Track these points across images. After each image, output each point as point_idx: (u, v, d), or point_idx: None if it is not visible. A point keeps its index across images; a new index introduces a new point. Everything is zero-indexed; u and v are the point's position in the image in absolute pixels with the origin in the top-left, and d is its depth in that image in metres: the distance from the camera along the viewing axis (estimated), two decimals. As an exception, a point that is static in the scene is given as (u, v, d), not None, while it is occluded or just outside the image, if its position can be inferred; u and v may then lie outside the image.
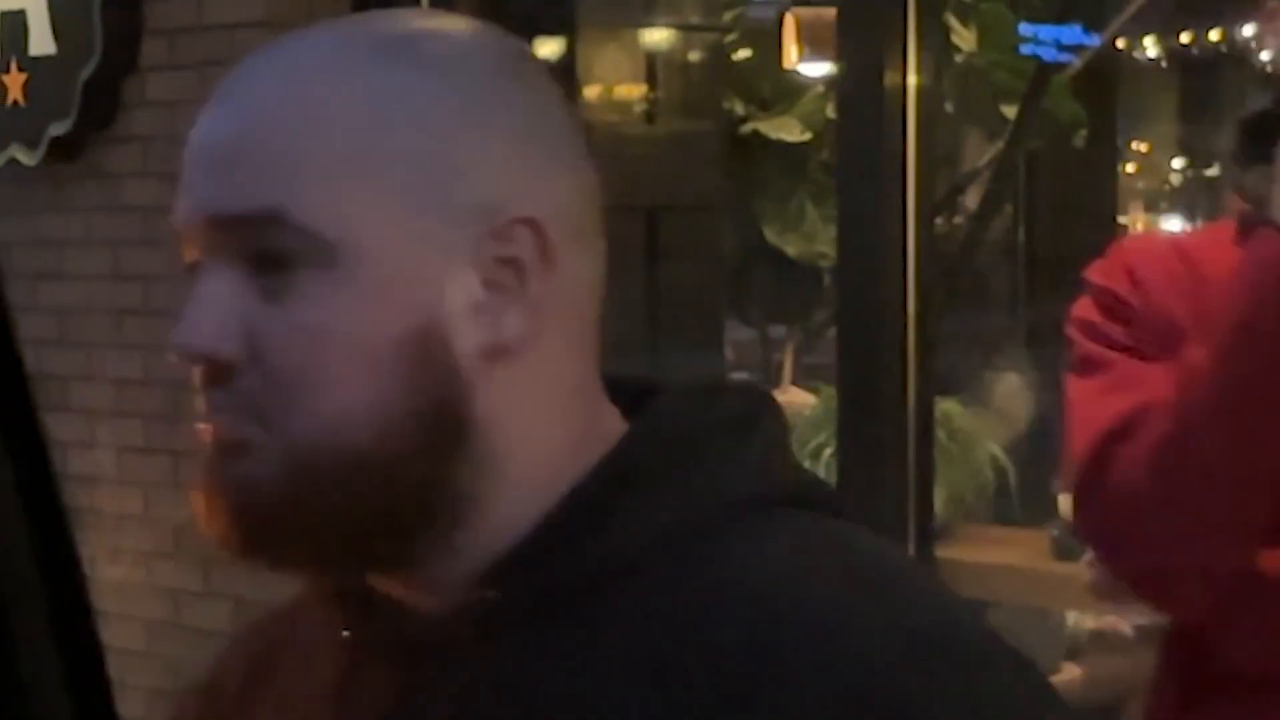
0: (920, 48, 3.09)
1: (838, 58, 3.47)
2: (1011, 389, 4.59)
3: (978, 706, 0.90)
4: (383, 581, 0.98)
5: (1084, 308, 1.78)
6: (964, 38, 4.64)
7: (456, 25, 1.01)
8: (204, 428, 0.94)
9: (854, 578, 0.93)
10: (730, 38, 5.04)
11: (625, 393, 1.01)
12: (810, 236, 4.95)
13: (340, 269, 0.91)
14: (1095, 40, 5.39)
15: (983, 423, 4.02)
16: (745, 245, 5.17)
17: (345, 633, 1.00)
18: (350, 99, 0.93)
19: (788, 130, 4.93)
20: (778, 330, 5.37)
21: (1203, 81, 7.06)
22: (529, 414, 0.95)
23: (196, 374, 0.94)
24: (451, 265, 0.93)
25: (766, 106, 5.02)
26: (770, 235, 5.01)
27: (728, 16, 5.00)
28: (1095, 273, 1.79)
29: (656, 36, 4.87)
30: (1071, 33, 5.35)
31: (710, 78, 4.97)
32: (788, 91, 5.00)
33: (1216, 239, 1.77)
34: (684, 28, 4.91)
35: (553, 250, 0.94)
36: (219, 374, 0.92)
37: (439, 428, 0.93)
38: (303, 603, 1.06)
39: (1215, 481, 1.58)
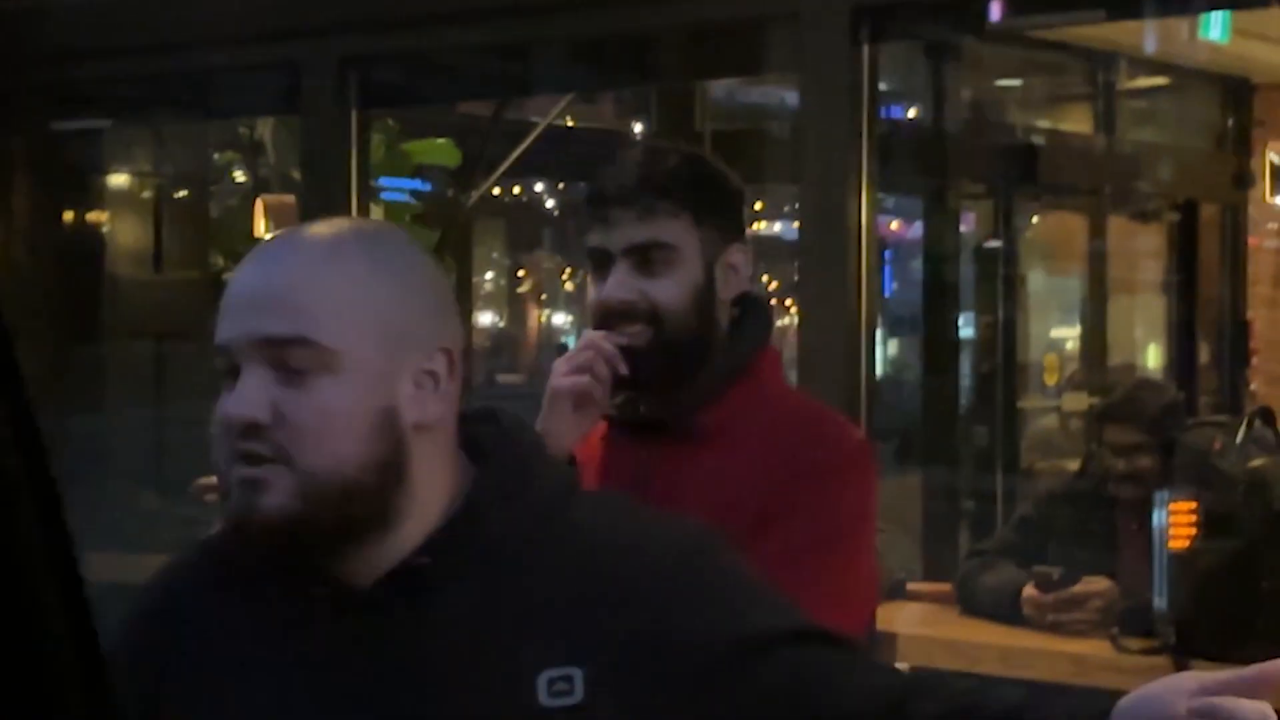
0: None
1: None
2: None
3: (730, 568, 1.54)
4: (335, 562, 1.47)
5: None
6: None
7: (385, 224, 1.64)
8: (237, 472, 1.42)
9: (639, 516, 1.57)
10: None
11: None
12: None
13: (340, 372, 1.43)
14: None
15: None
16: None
17: (316, 590, 1.47)
18: (351, 270, 1.45)
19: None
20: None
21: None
22: (433, 459, 1.48)
23: (235, 432, 1.41)
24: (402, 373, 1.45)
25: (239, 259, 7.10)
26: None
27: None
28: None
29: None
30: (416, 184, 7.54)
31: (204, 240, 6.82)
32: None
33: None
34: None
35: (455, 366, 1.49)
36: (253, 431, 1.41)
37: (389, 467, 1.45)
38: (243, 567, 1.51)
39: None
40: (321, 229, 1.51)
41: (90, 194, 6.62)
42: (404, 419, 1.46)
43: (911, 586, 4.86)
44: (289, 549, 1.45)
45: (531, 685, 1.44)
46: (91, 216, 6.60)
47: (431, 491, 1.48)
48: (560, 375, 2.16)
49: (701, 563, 1.52)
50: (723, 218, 2.24)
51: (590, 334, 2.19)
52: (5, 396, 0.69)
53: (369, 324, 1.44)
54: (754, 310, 2.28)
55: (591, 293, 2.22)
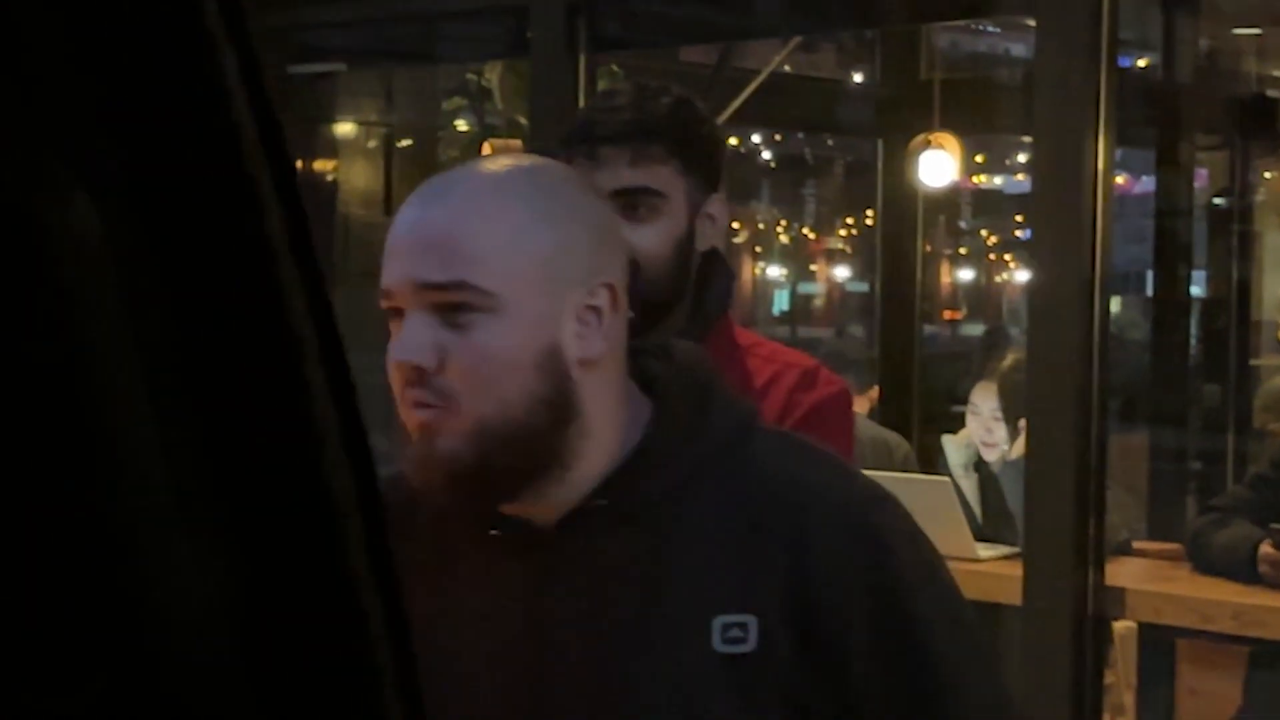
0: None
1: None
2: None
3: (906, 538, 1.51)
4: (513, 504, 1.48)
5: None
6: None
7: (547, 162, 1.56)
8: (411, 417, 1.43)
9: (819, 462, 1.54)
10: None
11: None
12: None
13: (502, 313, 1.42)
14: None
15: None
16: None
17: (494, 531, 1.49)
18: (509, 210, 1.44)
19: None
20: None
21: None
22: (604, 396, 1.47)
23: (403, 378, 1.42)
24: (564, 311, 1.44)
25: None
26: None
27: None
28: None
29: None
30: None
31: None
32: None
33: None
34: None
35: (619, 301, 1.48)
36: (421, 376, 1.42)
37: (557, 406, 1.45)
38: (426, 506, 1.49)
39: None
40: (481, 167, 1.49)
41: (323, 139, 6.74)
42: (568, 357, 1.44)
43: (1137, 545, 4.78)
44: (465, 492, 1.45)
45: (706, 630, 1.43)
46: (324, 161, 6.73)
47: (605, 428, 1.47)
48: None
49: (879, 526, 1.49)
50: (707, 166, 2.16)
51: None
52: (325, 345, 0.70)
53: (528, 264, 1.43)
54: (719, 267, 2.21)
55: None
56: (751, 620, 1.43)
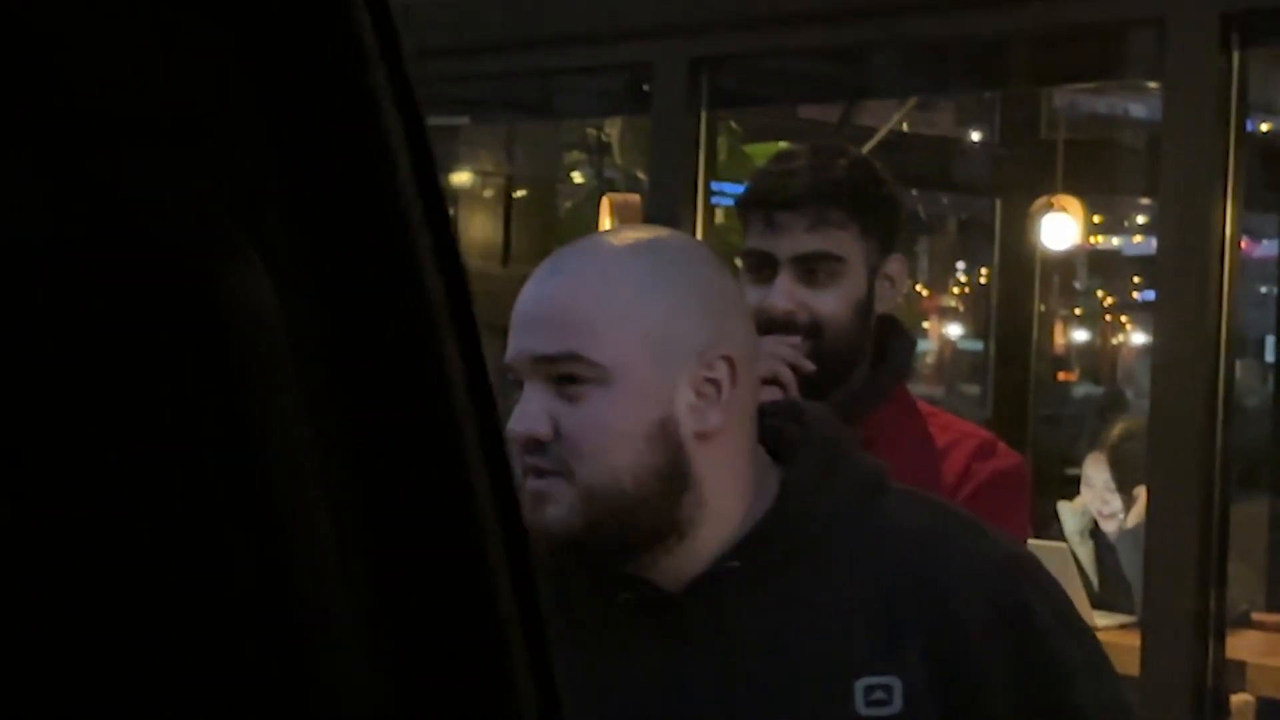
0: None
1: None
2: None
3: (1046, 593, 1.52)
4: (636, 567, 1.49)
5: None
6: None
7: (671, 234, 1.59)
8: (525, 485, 1.44)
9: (954, 520, 1.54)
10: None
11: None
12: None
13: (613, 385, 1.45)
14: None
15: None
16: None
17: (625, 595, 1.49)
18: (621, 285, 1.46)
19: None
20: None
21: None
22: (723, 467, 1.48)
23: (521, 446, 1.44)
24: (679, 384, 1.45)
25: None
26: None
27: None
28: None
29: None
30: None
31: (550, 237, 6.96)
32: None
33: None
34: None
35: (738, 373, 1.47)
36: (537, 446, 1.45)
37: (671, 478, 1.45)
38: (560, 574, 1.49)
39: None
40: (602, 240, 1.54)
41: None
42: (683, 429, 1.46)
43: (1257, 616, 4.70)
44: (579, 558, 1.47)
45: (849, 692, 1.43)
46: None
47: (723, 497, 1.48)
48: None
49: (1017, 583, 1.49)
50: (886, 228, 2.16)
51: (764, 342, 1.99)
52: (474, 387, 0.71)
53: (640, 338, 1.45)
54: (898, 329, 2.21)
55: (750, 295, 2.09)
56: (895, 681, 1.43)
